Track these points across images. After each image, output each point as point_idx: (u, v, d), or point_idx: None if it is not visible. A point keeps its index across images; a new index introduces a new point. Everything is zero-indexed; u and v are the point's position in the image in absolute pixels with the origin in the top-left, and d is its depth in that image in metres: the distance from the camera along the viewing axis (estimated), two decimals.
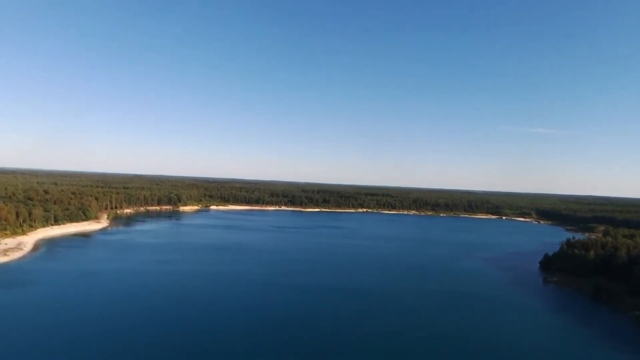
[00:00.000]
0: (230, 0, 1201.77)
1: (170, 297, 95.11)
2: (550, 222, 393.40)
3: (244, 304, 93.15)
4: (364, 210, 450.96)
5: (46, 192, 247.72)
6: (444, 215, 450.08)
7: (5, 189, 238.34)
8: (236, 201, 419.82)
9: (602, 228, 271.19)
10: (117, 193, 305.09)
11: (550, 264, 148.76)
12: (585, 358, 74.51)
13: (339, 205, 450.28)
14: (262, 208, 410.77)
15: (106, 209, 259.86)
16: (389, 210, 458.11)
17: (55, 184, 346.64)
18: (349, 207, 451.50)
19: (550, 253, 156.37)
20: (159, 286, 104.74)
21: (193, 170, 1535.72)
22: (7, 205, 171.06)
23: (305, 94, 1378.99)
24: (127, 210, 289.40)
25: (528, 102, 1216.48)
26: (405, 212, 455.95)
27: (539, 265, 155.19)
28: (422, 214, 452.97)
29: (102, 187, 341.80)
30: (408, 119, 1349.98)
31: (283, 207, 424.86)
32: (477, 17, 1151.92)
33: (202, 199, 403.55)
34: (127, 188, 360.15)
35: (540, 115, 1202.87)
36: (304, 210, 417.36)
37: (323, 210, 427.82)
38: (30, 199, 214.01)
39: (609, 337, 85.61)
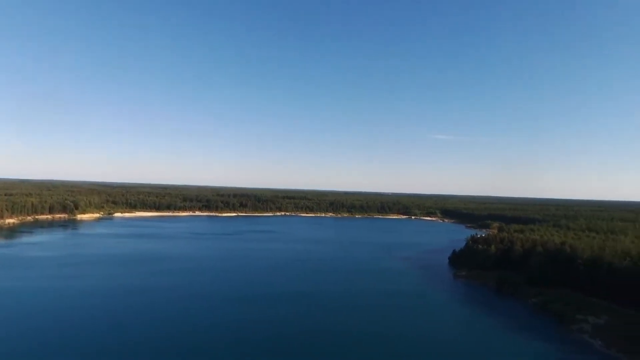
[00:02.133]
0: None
1: (72, 317, 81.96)
2: (453, 220, 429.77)
3: (164, 319, 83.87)
4: (282, 213, 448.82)
5: None
6: (359, 216, 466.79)
7: None
8: (144, 207, 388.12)
9: (496, 224, 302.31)
10: None
11: (458, 260, 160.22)
12: (493, 343, 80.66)
13: (256, 209, 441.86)
14: (174, 214, 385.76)
15: None
16: (307, 213, 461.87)
17: None
18: (266, 211, 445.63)
19: (457, 249, 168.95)
20: (57, 306, 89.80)
21: (92, 174, 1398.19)
22: None
23: (213, 93, 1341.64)
24: (10, 220, 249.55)
25: (433, 110, 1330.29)
26: (323, 215, 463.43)
27: (448, 261, 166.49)
28: (339, 215, 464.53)
29: None
30: (317, 123, 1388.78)
31: (197, 213, 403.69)
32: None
33: (104, 205, 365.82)
34: (10, 195, 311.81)
35: (442, 123, 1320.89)
36: (219, 215, 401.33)
37: (240, 214, 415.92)
38: None
39: (512, 323, 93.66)
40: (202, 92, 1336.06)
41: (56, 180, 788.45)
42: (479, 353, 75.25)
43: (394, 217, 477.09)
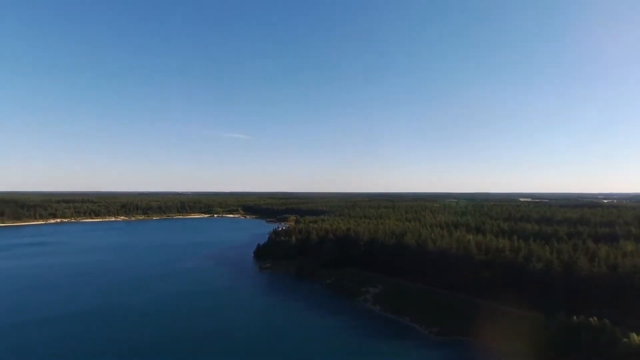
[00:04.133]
0: None
1: None
2: (254, 216, 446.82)
3: None
4: (58, 220, 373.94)
5: None
6: (157, 218, 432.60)
7: None
8: None
9: (293, 217, 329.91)
10: None
11: (262, 253, 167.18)
12: (297, 322, 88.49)
13: (19, 218, 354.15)
14: None
15: None
16: (93, 218, 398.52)
17: None
18: (35, 219, 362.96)
19: (262, 243, 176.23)
20: None
21: None
22: None
23: None
24: None
25: (226, 110, 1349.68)
26: (113, 219, 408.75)
27: (253, 255, 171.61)
28: (133, 219, 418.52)
29: None
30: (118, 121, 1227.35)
31: None
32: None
33: None
34: None
35: (236, 122, 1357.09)
36: None
37: None
38: None
39: (311, 303, 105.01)
40: None
41: None
42: (287, 331, 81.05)
43: (196, 216, 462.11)
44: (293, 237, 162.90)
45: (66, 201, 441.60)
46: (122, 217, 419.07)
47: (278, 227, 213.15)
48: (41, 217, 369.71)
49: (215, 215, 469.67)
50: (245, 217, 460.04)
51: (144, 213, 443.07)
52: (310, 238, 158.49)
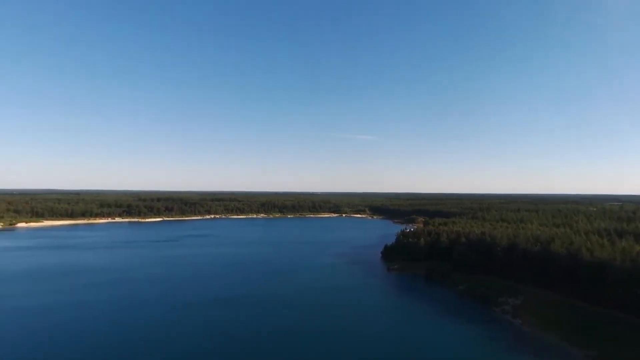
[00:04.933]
0: None
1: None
2: (381, 217, 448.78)
3: (104, 334, 75.54)
4: (212, 216, 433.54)
5: None
6: (291, 216, 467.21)
7: None
8: (54, 215, 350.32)
9: (421, 219, 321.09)
10: None
11: (390, 254, 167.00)
12: (428, 327, 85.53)
13: (183, 213, 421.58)
14: (91, 221, 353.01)
15: None
16: (238, 215, 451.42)
17: None
18: (194, 215, 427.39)
19: (389, 244, 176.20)
20: None
21: None
22: None
23: (133, 93, 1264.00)
24: None
25: (353, 112, 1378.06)
26: (255, 216, 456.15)
27: (380, 255, 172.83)
28: (271, 216, 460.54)
29: None
30: (255, 126, 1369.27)
31: (117, 219, 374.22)
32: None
33: (4, 215, 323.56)
34: None
35: (364, 123, 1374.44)
36: (143, 220, 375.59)
37: (166, 219, 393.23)
38: None
39: (443, 308, 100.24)
40: (118, 94, 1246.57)
41: None
42: (417, 337, 79.16)
43: (326, 215, 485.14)
44: (422, 239, 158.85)
45: (217, 200, 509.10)
46: (262, 215, 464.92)
47: (406, 228, 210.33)
48: (199, 213, 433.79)
49: (344, 215, 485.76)
50: (372, 217, 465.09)
51: (280, 211, 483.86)
52: (440, 240, 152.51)
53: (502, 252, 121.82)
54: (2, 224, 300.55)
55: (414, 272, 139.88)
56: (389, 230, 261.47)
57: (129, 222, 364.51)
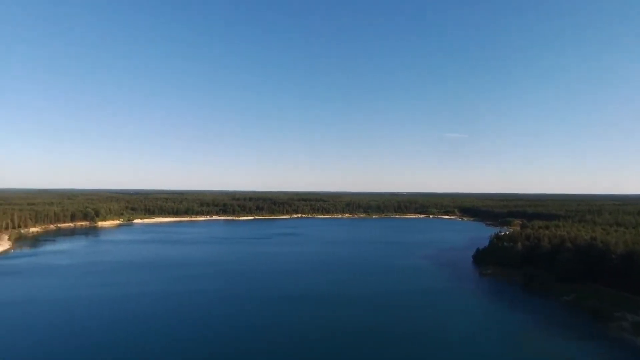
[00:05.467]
0: None
1: (106, 324, 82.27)
2: (472, 219, 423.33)
3: (203, 323, 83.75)
4: (299, 216, 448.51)
5: None
6: (376, 217, 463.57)
7: None
8: (163, 213, 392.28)
9: (517, 222, 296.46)
10: (21, 210, 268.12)
11: (483, 258, 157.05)
12: (530, 341, 77.49)
13: (272, 212, 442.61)
14: (192, 219, 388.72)
15: (7, 229, 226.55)
16: (323, 215, 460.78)
17: None
18: (283, 214, 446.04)
19: (481, 247, 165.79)
20: (99, 315, 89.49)
21: (111, 182, 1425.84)
22: None
23: (228, 100, 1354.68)
24: (34, 229, 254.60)
25: (443, 109, 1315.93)
26: (340, 216, 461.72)
27: (472, 259, 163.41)
28: (356, 216, 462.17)
29: (0, 204, 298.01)
30: (340, 127, 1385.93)
31: (214, 217, 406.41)
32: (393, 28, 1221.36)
33: (124, 212, 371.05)
34: (33, 204, 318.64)
35: (453, 121, 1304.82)
36: (236, 218, 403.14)
37: (257, 217, 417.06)
38: None
39: (546, 320, 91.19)
40: (214, 98, 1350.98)
41: (75, 189, 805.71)
42: (517, 350, 72.86)
43: (412, 216, 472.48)
44: (519, 244, 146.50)
45: (304, 200, 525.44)
46: (346, 215, 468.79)
47: (500, 231, 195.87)
48: (287, 212, 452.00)
49: (431, 216, 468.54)
50: (462, 219, 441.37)
51: (365, 212, 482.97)
52: (541, 245, 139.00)
53: (618, 259, 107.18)
54: (122, 219, 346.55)
55: (509, 279, 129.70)
56: (481, 233, 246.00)
57: (225, 220, 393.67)
